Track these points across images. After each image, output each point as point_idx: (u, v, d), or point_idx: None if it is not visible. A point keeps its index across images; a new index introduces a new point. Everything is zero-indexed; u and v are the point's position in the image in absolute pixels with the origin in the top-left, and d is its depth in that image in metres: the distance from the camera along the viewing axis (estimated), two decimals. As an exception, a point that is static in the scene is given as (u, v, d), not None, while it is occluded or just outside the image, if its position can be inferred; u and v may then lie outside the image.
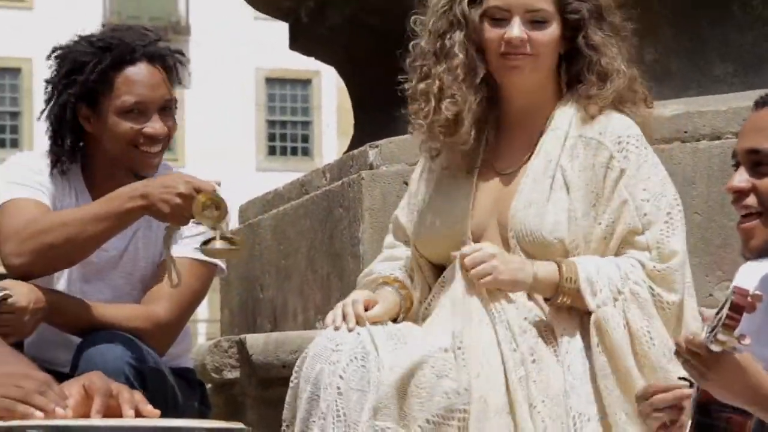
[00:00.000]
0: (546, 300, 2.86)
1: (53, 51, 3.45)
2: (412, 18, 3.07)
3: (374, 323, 2.89)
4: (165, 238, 3.20)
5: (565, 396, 2.79)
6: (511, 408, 2.77)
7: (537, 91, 3.00)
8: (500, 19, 2.94)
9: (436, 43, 3.01)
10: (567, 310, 2.86)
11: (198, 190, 3.03)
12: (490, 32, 2.95)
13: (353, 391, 2.75)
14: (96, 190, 3.40)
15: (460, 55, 2.97)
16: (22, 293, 3.21)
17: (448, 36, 3.00)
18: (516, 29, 2.92)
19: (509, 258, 2.84)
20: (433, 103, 2.98)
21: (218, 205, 3.05)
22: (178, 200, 3.02)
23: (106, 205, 3.16)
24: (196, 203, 3.06)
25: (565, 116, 2.96)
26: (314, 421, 2.77)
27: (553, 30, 2.95)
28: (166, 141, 3.40)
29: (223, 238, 3.07)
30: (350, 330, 2.82)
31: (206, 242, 3.13)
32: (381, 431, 2.73)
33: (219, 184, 3.28)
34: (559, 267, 2.83)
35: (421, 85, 3.01)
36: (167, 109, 3.38)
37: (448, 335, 2.84)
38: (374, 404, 2.73)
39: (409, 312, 3.02)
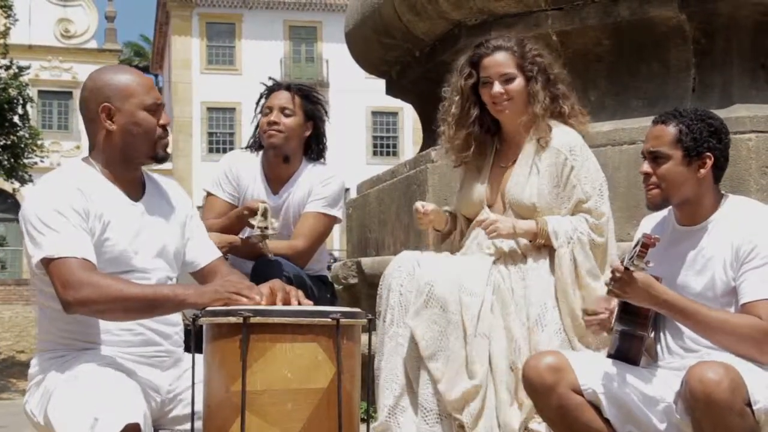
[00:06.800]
0: (530, 241, 2.80)
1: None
2: (443, 87, 3.03)
3: (435, 230, 2.95)
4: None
5: (527, 289, 2.75)
6: (494, 291, 2.75)
7: (516, 119, 2.89)
8: (487, 83, 2.88)
9: (450, 103, 2.98)
10: (541, 248, 2.81)
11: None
12: (484, 92, 2.90)
13: (409, 293, 2.73)
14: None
15: (458, 109, 2.95)
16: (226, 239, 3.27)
17: (455, 98, 2.96)
18: (496, 88, 2.87)
19: (505, 219, 2.79)
20: (450, 135, 2.98)
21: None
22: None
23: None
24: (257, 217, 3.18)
25: (536, 133, 2.87)
26: (388, 309, 2.77)
27: (518, 82, 2.87)
28: (281, 130, 3.41)
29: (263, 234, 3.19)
30: (423, 208, 2.91)
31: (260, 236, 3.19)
32: (425, 315, 2.68)
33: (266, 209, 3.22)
34: (537, 222, 2.78)
35: (443, 127, 3.00)
36: (285, 111, 3.43)
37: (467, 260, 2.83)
38: (421, 299, 2.69)
39: (448, 236, 2.99)
